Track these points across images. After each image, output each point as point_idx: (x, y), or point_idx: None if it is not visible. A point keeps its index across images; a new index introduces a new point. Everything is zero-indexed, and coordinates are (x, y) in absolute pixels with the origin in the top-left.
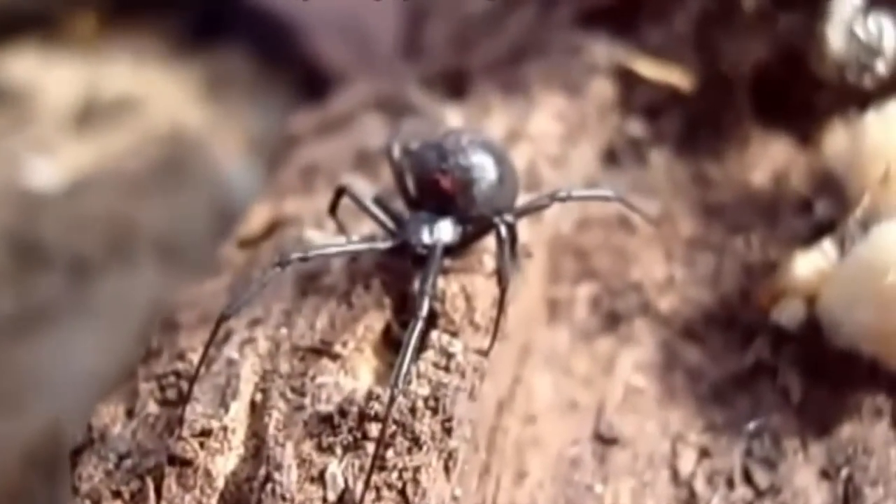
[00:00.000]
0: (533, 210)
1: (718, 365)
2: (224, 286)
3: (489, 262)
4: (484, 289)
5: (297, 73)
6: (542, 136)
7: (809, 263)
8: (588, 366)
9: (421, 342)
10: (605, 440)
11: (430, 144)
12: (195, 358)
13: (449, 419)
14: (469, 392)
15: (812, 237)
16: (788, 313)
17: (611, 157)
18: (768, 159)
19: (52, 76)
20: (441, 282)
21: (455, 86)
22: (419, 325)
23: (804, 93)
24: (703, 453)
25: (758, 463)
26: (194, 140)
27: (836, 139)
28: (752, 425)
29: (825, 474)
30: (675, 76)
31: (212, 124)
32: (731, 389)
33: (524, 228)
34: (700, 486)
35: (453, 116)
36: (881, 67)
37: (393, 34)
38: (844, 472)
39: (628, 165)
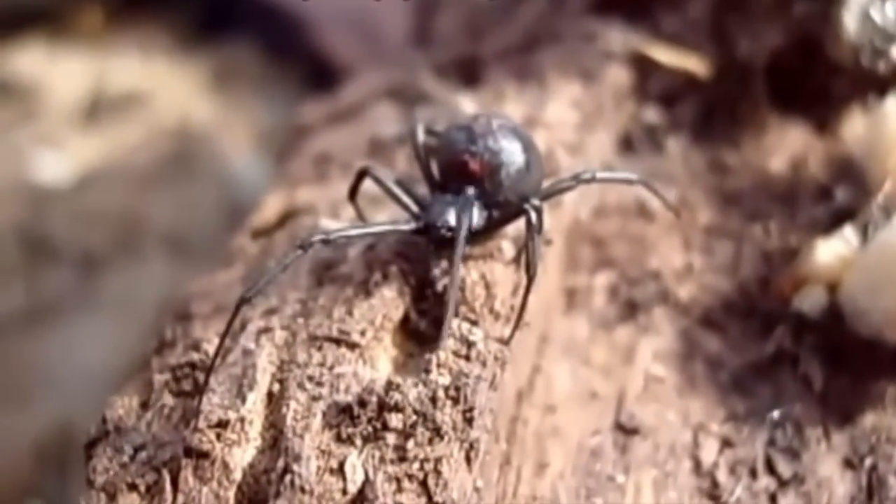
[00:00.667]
0: (558, 192)
1: (738, 354)
2: (238, 277)
3: (508, 250)
4: (504, 277)
5: (304, 66)
6: (558, 123)
7: (831, 250)
8: (607, 355)
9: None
10: (626, 430)
11: (458, 126)
12: (210, 348)
13: (470, 409)
14: (490, 381)
15: (832, 224)
16: (810, 301)
17: (627, 145)
18: (785, 146)
19: (60, 70)
20: (461, 270)
21: (468, 73)
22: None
23: (821, 79)
24: (725, 443)
25: (780, 452)
26: (202, 134)
27: (855, 125)
28: (774, 414)
29: (849, 464)
30: (691, 62)
31: (220, 118)
32: (751, 378)
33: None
34: (723, 476)
35: (467, 104)
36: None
37: (401, 26)
38: (868, 462)
39: (644, 152)
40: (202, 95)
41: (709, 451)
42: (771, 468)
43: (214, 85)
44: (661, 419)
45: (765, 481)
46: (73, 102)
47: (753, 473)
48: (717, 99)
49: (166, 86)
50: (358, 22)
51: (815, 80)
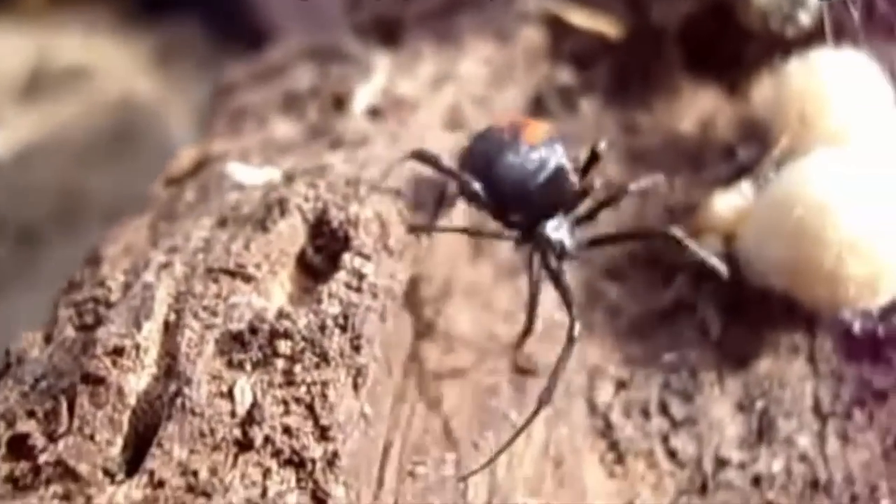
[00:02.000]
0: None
1: (639, 302)
2: (147, 222)
3: (406, 193)
4: (398, 215)
5: (247, 43)
6: (468, 79)
7: (727, 203)
8: (509, 301)
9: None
10: (522, 371)
11: (509, 165)
12: (114, 285)
13: (358, 337)
14: (380, 313)
15: (734, 180)
16: (706, 251)
17: (539, 105)
18: (696, 108)
19: (2, 46)
20: (355, 207)
21: (389, 35)
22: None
23: (733, 44)
24: (620, 385)
25: (675, 395)
26: (144, 109)
27: (763, 88)
28: (669, 358)
29: (741, 407)
30: (604, 25)
31: (162, 94)
32: (650, 326)
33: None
34: (616, 416)
35: (382, 63)
36: (804, 18)
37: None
38: (759, 405)
39: (557, 113)
40: (145, 71)
41: (603, 393)
42: (664, 410)
43: (157, 61)
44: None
45: (658, 422)
46: (14, 78)
47: (646, 414)
48: (630, 62)
49: (109, 62)
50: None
51: (728, 45)
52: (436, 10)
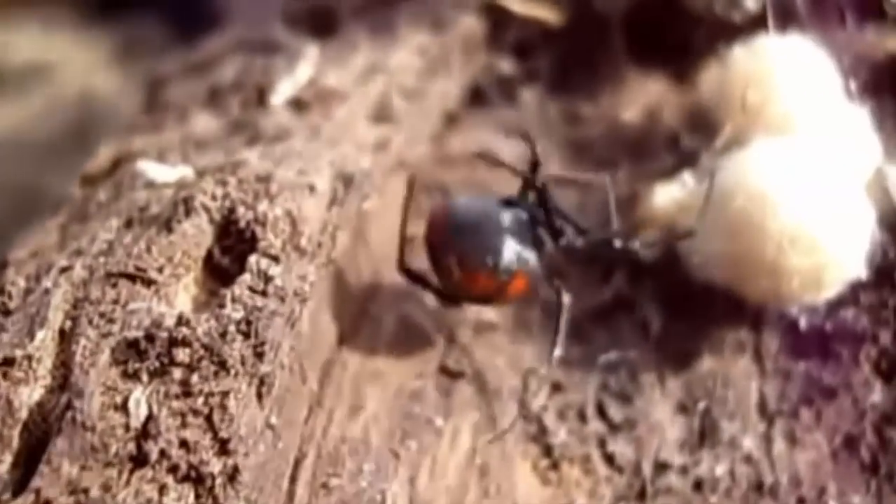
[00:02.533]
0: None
1: (577, 300)
2: (58, 224)
3: (321, 185)
4: (312, 212)
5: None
6: (399, 70)
7: (668, 194)
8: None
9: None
10: (450, 374)
11: None
12: (14, 291)
13: (262, 343)
14: (287, 317)
15: (678, 171)
16: (648, 245)
17: (478, 95)
18: (642, 97)
19: None
20: (264, 205)
21: (324, 25)
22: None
23: (680, 31)
24: (556, 388)
25: (613, 397)
26: (104, 107)
27: (710, 75)
28: (607, 358)
29: (682, 408)
30: (545, 12)
31: (123, 90)
32: (588, 324)
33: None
34: (550, 420)
35: (312, 53)
36: (750, 2)
37: None
38: (702, 406)
39: (497, 103)
40: (105, 69)
41: (538, 396)
42: (602, 413)
43: (117, 58)
44: (490, 364)
45: (595, 425)
46: None
47: (583, 417)
48: (573, 50)
49: (69, 59)
50: None
51: (675, 31)
52: (373, 0)
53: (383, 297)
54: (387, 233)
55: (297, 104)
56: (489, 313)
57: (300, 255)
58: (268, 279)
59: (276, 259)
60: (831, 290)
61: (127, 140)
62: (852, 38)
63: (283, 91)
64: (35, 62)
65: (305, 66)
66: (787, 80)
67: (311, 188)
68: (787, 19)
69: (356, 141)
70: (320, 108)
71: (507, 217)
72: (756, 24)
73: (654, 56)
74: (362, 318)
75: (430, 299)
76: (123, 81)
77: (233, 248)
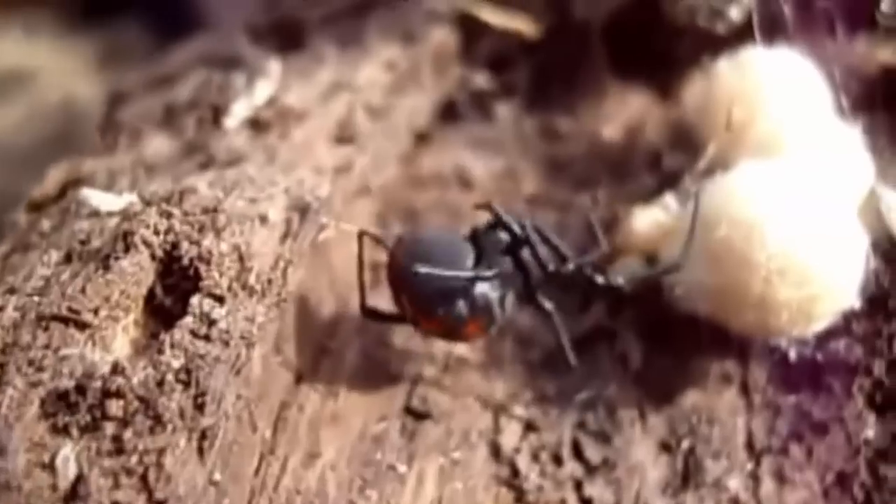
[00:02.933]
0: None
1: (552, 331)
2: (2, 253)
3: (274, 215)
4: (262, 247)
5: None
6: (366, 85)
7: (648, 218)
8: (407, 334)
9: None
10: (416, 415)
11: None
12: None
13: (202, 394)
14: (232, 364)
15: (659, 192)
16: (627, 273)
17: (450, 111)
18: (624, 112)
19: None
20: (210, 239)
21: (292, 38)
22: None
23: (663, 42)
24: (529, 427)
25: (590, 436)
26: (87, 114)
27: (694, 90)
28: (585, 394)
29: (664, 447)
30: (521, 23)
31: (104, 98)
32: (565, 357)
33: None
34: (523, 462)
35: (274, 68)
36: (734, 12)
37: None
38: (686, 444)
39: (471, 119)
40: (86, 75)
41: (510, 436)
42: (578, 453)
43: (99, 65)
44: (459, 402)
45: (570, 467)
46: None
47: (558, 459)
48: (551, 63)
49: (51, 66)
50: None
51: (658, 43)
52: (343, 11)
53: (345, 330)
54: (350, 261)
55: (256, 124)
56: (460, 347)
57: (248, 294)
58: (211, 322)
59: (220, 300)
60: (822, 322)
61: (78, 162)
62: (842, 50)
63: (237, 112)
64: (17, 69)
65: (265, 84)
66: (774, 95)
67: (263, 219)
68: (773, 30)
69: (316, 164)
70: (279, 128)
71: (466, 257)
72: (741, 35)
73: (636, 68)
74: (323, 354)
75: (396, 334)
76: (105, 88)
77: (176, 286)
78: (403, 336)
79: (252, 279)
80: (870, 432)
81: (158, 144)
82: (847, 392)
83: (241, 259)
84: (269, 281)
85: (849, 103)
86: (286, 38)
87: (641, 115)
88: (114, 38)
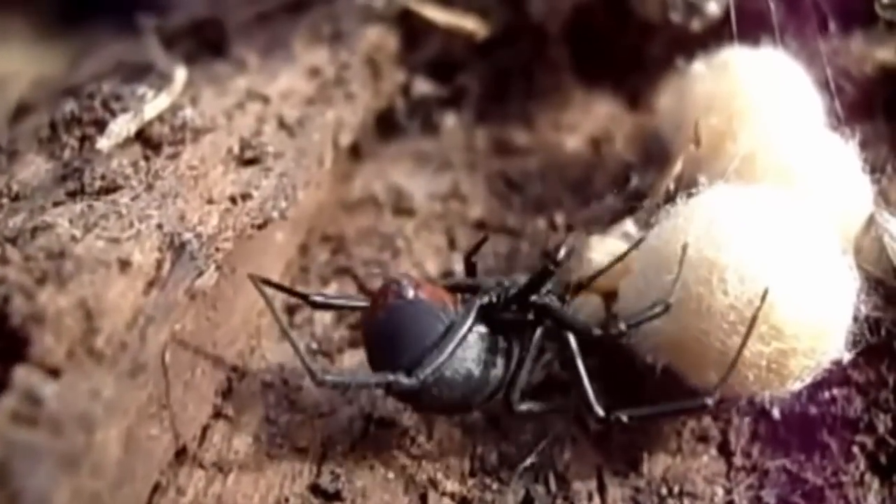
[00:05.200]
0: None
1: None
2: None
3: (139, 258)
4: (119, 300)
5: None
6: (283, 96)
7: (606, 249)
8: (320, 394)
9: None
10: (325, 495)
11: None
12: None
13: (17, 494)
14: (64, 454)
15: (624, 215)
16: (585, 313)
17: (388, 123)
18: (589, 122)
19: None
20: (49, 292)
21: (213, 43)
22: None
23: (632, 42)
24: None
25: None
26: None
27: (668, 95)
28: (532, 460)
29: None
30: (470, 22)
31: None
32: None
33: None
34: None
35: (180, 75)
36: (712, 7)
37: None
38: None
39: (412, 132)
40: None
41: None
42: None
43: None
44: (378, 477)
45: None
46: None
47: None
48: (507, 68)
49: (25, 72)
50: None
51: (627, 44)
52: (272, 12)
53: (244, 391)
54: (250, 308)
55: (147, 142)
56: (386, 406)
57: (97, 362)
58: (36, 401)
59: (54, 372)
60: (800, 381)
61: None
62: (836, 49)
63: (116, 130)
64: None
65: (161, 97)
66: (755, 102)
67: (124, 264)
68: (756, 26)
69: (207, 191)
70: (171, 147)
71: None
72: (720, 32)
73: (602, 72)
74: (213, 421)
75: (307, 392)
76: None
77: (4, 351)
78: (316, 393)
79: (100, 342)
80: (872, 500)
81: (36, 167)
82: (846, 452)
83: (87, 317)
84: (123, 344)
85: (843, 111)
86: (206, 42)
87: (608, 126)
88: (86, 43)
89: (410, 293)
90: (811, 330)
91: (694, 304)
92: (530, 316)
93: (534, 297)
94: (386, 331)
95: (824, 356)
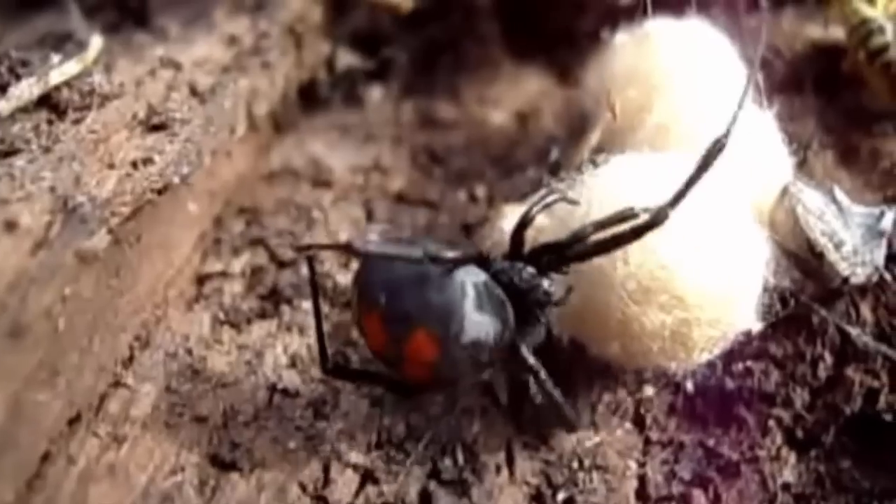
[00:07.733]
0: None
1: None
2: None
3: (27, 220)
4: (1, 262)
5: None
6: (195, 64)
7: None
8: (229, 361)
9: None
10: (221, 464)
11: None
12: None
13: None
14: None
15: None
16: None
17: (311, 94)
18: (517, 96)
19: None
20: None
21: (137, 13)
22: None
23: (565, 16)
24: (368, 477)
25: (444, 487)
26: None
27: (593, 68)
28: (438, 434)
29: (537, 499)
30: None
31: None
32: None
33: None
34: None
35: (95, 44)
36: None
37: None
38: (562, 496)
39: (335, 104)
40: None
41: (342, 490)
42: None
43: None
44: (277, 447)
45: None
46: None
47: None
48: (435, 40)
49: None
50: None
51: (558, 17)
52: None
53: (145, 361)
54: (157, 278)
55: (53, 108)
56: (290, 376)
57: None
58: None
59: None
60: (707, 353)
61: None
62: (765, 23)
63: (17, 94)
64: None
65: (70, 63)
66: (675, 74)
67: (10, 225)
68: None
69: (109, 155)
70: (77, 113)
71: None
72: (645, 5)
73: (532, 46)
74: (112, 389)
75: (213, 361)
76: None
77: None
78: (221, 363)
79: None
80: (788, 475)
81: None
82: (762, 427)
83: None
84: (3, 304)
85: (768, 85)
86: (130, 13)
87: (537, 100)
88: (53, 27)
89: None
90: (715, 299)
91: (594, 274)
92: None
93: None
94: None
95: (731, 327)
